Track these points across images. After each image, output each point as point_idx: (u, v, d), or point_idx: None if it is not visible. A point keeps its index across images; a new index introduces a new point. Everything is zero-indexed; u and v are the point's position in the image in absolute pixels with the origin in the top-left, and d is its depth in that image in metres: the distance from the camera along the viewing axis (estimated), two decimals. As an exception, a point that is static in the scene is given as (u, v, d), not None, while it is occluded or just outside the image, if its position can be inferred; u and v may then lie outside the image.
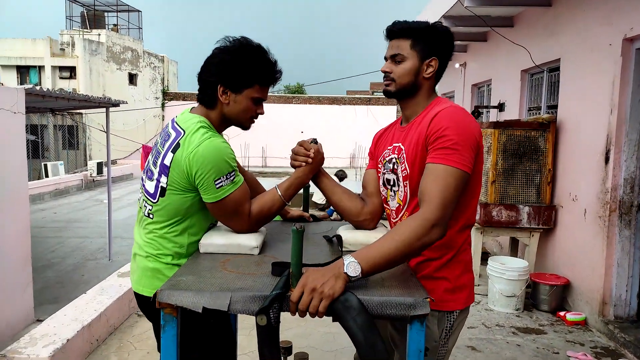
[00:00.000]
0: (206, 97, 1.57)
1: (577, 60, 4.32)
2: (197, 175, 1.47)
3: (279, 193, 1.61)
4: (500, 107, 6.11)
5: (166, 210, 1.55)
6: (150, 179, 1.58)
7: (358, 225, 1.67)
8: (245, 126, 1.63)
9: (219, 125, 1.62)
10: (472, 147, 1.41)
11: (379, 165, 1.66)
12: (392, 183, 1.60)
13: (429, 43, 1.51)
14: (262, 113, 1.63)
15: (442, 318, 1.50)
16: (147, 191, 1.60)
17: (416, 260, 1.53)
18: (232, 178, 1.49)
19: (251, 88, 1.55)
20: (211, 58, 1.55)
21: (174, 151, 1.50)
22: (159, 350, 1.86)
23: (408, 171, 1.52)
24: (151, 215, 1.59)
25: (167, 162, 1.51)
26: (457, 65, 8.07)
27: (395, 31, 1.52)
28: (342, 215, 1.71)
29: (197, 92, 1.62)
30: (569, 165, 4.41)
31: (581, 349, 3.51)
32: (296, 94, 28.77)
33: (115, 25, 23.79)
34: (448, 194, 1.34)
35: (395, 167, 1.56)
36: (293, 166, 1.66)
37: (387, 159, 1.61)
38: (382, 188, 1.66)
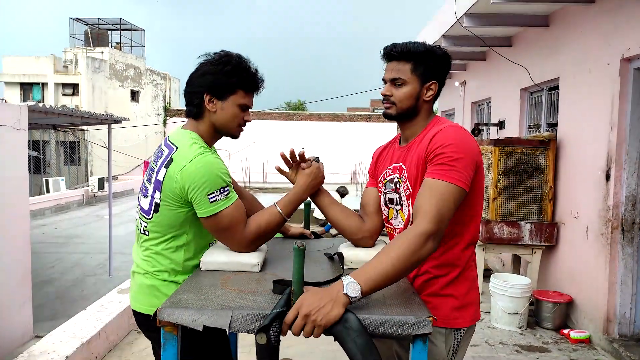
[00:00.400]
0: (194, 109, 1.60)
1: (575, 80, 4.36)
2: (190, 189, 1.47)
3: (278, 209, 1.60)
4: (500, 124, 6.14)
5: (161, 226, 1.56)
6: (145, 196, 1.60)
7: (356, 243, 1.67)
8: (234, 134, 1.64)
9: (210, 137, 1.63)
10: (470, 164, 1.42)
11: (380, 185, 1.67)
12: (394, 202, 1.60)
13: (429, 67, 1.53)
14: (249, 120, 1.65)
15: (449, 335, 1.50)
16: (142, 208, 1.61)
17: (423, 278, 1.53)
18: (226, 193, 1.49)
19: (235, 94, 1.58)
20: (195, 72, 1.59)
21: (167, 166, 1.51)
22: None
23: (410, 190, 1.53)
24: (147, 232, 1.60)
25: (160, 177, 1.52)
26: (457, 84, 8.14)
27: (395, 54, 1.53)
28: (341, 232, 1.71)
29: (185, 106, 1.65)
30: (570, 183, 4.41)
31: (585, 368, 3.47)
32: (297, 111, 28.95)
33: (118, 43, 24.08)
34: (443, 209, 1.35)
35: (398, 186, 1.57)
36: (279, 171, 1.72)
37: (387, 178, 1.62)
38: (383, 207, 1.66)
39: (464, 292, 1.52)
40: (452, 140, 1.42)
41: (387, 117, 1.59)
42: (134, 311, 1.67)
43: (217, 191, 1.47)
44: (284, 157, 1.69)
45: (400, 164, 1.57)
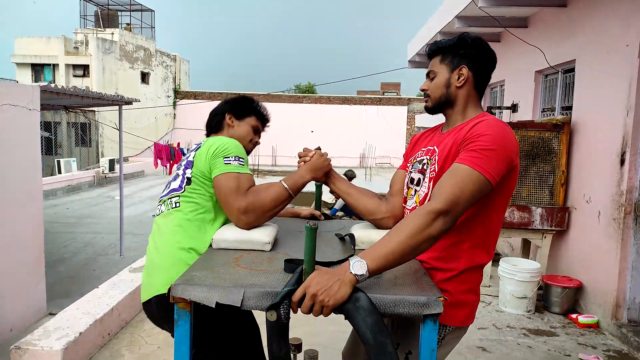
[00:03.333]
0: (214, 123, 1.93)
1: (592, 62, 4.27)
2: (212, 154, 1.66)
3: (284, 184, 1.67)
4: (514, 108, 6.06)
5: (193, 197, 1.67)
6: (176, 179, 1.75)
7: (378, 224, 1.65)
8: (246, 149, 1.85)
9: None
10: (503, 159, 1.38)
11: (409, 165, 1.68)
12: (416, 182, 1.60)
13: (457, 53, 1.55)
14: (258, 143, 1.97)
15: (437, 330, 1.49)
16: (172, 190, 1.74)
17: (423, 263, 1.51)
18: (240, 162, 1.66)
19: (250, 117, 1.93)
20: (218, 105, 1.99)
21: (197, 150, 1.72)
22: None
23: (436, 172, 1.51)
24: (177, 204, 1.69)
25: (191, 158, 1.72)
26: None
27: (430, 53, 1.61)
28: (361, 214, 1.70)
29: (206, 127, 1.97)
30: (583, 167, 4.36)
31: (593, 352, 3.47)
32: (307, 94, 28.78)
33: (128, 24, 23.91)
34: (460, 192, 1.31)
35: (425, 167, 1.57)
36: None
37: (417, 159, 1.63)
38: (405, 188, 1.66)
39: (460, 291, 1.49)
40: (490, 131, 1.40)
41: (427, 110, 1.64)
42: (158, 299, 1.62)
43: (232, 157, 1.65)
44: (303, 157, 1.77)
45: (435, 147, 1.57)
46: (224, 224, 1.69)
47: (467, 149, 1.39)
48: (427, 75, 1.61)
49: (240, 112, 1.92)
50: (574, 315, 4.04)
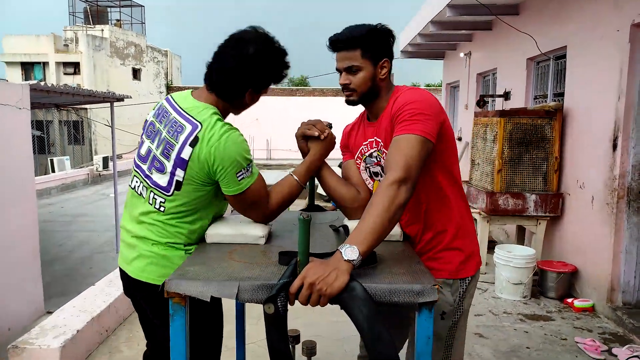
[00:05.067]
0: (230, 94, 1.58)
1: (584, 47, 4.28)
2: (218, 169, 1.48)
3: (295, 178, 1.65)
4: (506, 95, 6.07)
5: (181, 202, 1.55)
6: (161, 171, 1.55)
7: (350, 213, 1.69)
8: (238, 114, 1.70)
9: (224, 114, 1.63)
10: (432, 118, 1.48)
11: (358, 161, 1.74)
12: (379, 175, 1.68)
13: (377, 48, 1.58)
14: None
15: (456, 284, 1.63)
16: (156, 184, 1.57)
17: (429, 235, 1.64)
18: (250, 170, 1.53)
19: (268, 87, 1.64)
20: (250, 60, 1.52)
21: (192, 145, 1.48)
22: (147, 339, 1.86)
23: None
24: (162, 208, 1.57)
25: (184, 155, 1.49)
26: (462, 55, 8.01)
27: (341, 43, 1.58)
28: (336, 202, 1.73)
29: (217, 81, 1.57)
30: (576, 153, 4.38)
31: (589, 335, 3.51)
32: (300, 86, 28.64)
33: (118, 20, 23.65)
34: (408, 157, 1.40)
35: (379, 159, 1.65)
36: (303, 135, 1.67)
37: (366, 154, 1.69)
38: (368, 181, 1.72)
39: (467, 244, 1.66)
40: (410, 99, 1.50)
41: (351, 104, 1.65)
42: (137, 282, 1.63)
43: (243, 169, 1.50)
44: (312, 132, 1.67)
45: (375, 137, 1.65)
46: (209, 216, 1.63)
47: (398, 121, 1.49)
48: (348, 69, 1.58)
49: (263, 87, 1.61)
50: (569, 300, 4.08)
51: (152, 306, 1.69)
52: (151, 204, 1.59)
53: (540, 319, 3.82)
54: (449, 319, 1.62)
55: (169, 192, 1.55)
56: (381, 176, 1.65)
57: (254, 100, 1.64)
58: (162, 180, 1.55)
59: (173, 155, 1.52)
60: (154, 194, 1.58)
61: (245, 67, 1.52)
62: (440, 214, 1.62)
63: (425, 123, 1.45)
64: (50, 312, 4.15)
